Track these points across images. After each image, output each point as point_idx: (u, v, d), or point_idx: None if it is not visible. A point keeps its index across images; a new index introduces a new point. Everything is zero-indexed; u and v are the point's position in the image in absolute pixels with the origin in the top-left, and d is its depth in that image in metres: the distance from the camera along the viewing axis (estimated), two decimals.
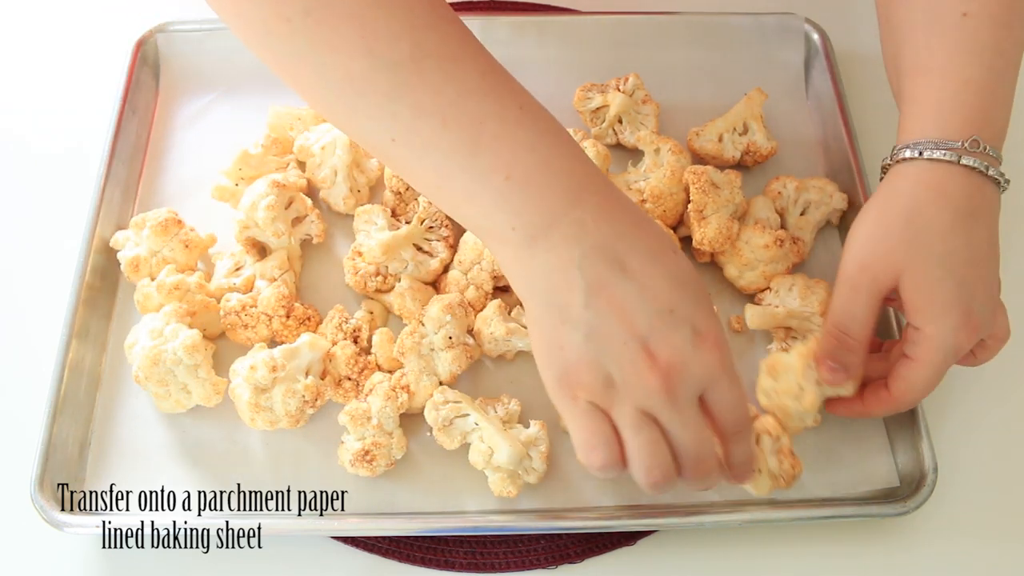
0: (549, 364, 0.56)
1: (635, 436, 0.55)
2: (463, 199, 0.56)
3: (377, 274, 0.73)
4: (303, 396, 0.67)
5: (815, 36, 0.87)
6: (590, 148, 0.77)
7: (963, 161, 0.62)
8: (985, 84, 0.64)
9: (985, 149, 0.62)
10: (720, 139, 0.80)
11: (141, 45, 0.85)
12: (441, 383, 0.70)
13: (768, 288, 0.74)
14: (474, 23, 0.87)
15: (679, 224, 0.77)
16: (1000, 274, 0.65)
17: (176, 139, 0.84)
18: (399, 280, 0.74)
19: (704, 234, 0.73)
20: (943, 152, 0.62)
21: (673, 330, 0.54)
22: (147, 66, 0.85)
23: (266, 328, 0.71)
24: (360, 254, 0.74)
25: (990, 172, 0.62)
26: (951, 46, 0.65)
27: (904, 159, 0.64)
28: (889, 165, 0.66)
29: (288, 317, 0.72)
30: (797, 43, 0.88)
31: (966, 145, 0.62)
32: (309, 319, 0.73)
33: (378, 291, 0.74)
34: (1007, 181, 0.64)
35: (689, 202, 0.75)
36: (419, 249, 0.75)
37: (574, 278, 0.54)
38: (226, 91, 0.86)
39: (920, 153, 0.63)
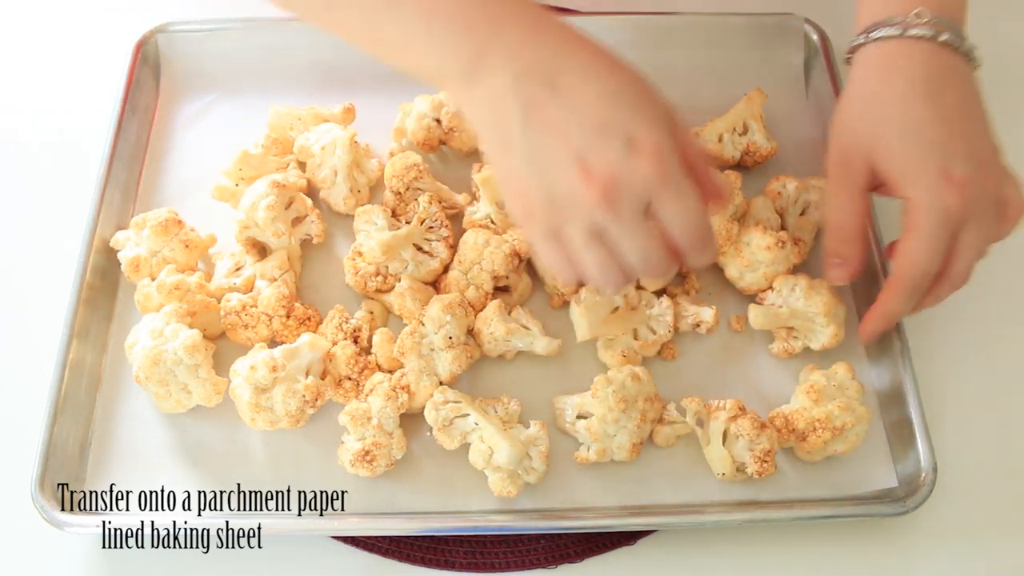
0: (508, 196, 0.58)
1: (586, 254, 0.56)
2: (399, 48, 0.58)
3: (377, 274, 0.73)
4: (303, 396, 0.67)
5: (815, 36, 0.87)
6: None
7: (908, 33, 0.63)
8: None
9: (932, 20, 0.64)
10: (720, 139, 0.80)
11: (141, 45, 0.85)
12: (441, 383, 0.70)
13: (770, 288, 0.74)
14: None
15: None
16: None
17: (176, 139, 0.84)
18: (399, 280, 0.74)
19: None
20: (887, 29, 0.64)
21: (606, 144, 0.53)
22: (147, 66, 0.85)
23: (266, 328, 0.71)
24: (360, 254, 0.74)
25: (941, 39, 0.63)
26: None
27: (856, 47, 0.67)
28: (849, 58, 0.68)
29: (288, 317, 0.72)
30: (797, 43, 0.88)
31: (910, 18, 0.64)
32: (309, 319, 0.73)
33: (378, 291, 0.74)
34: (973, 49, 0.65)
35: None
36: (419, 249, 0.75)
37: (509, 105, 0.54)
38: (226, 91, 0.86)
39: (867, 35, 0.65)
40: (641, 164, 0.53)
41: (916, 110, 0.63)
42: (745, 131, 0.81)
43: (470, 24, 0.55)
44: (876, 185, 0.66)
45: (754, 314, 0.73)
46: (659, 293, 0.74)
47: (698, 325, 0.73)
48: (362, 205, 0.77)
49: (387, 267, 0.73)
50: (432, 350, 0.70)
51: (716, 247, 0.61)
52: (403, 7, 0.55)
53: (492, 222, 0.76)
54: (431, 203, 0.75)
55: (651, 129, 0.54)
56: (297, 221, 0.76)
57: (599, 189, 0.53)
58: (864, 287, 0.76)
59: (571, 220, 0.55)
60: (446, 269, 0.75)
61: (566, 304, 0.75)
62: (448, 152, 0.83)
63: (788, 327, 0.73)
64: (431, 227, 0.75)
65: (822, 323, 0.71)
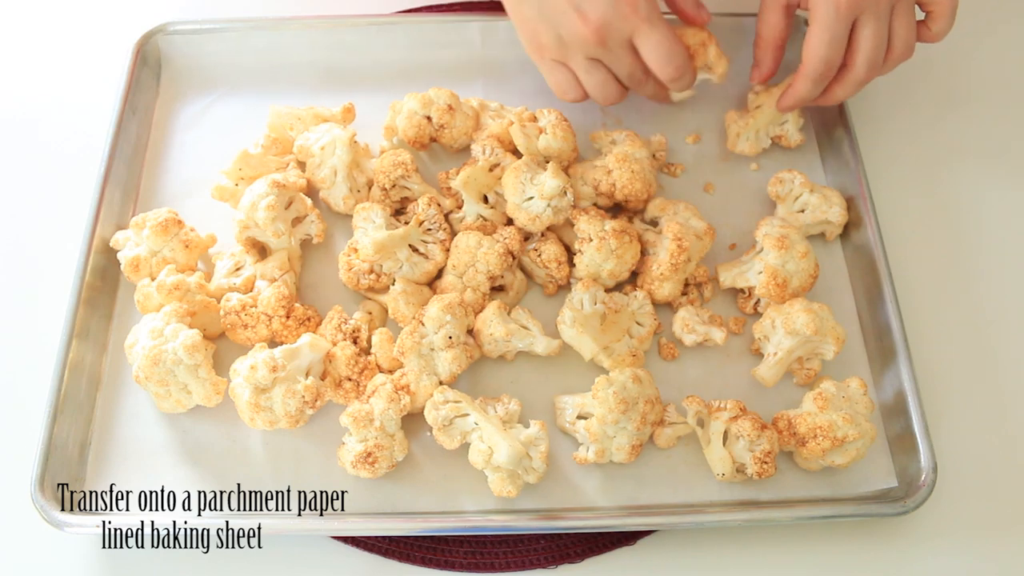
0: (523, 35, 0.76)
1: (587, 76, 0.76)
2: None
3: (370, 272, 0.73)
4: (303, 397, 0.67)
5: None
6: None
7: None
8: None
9: None
10: (757, 134, 0.83)
11: (142, 45, 0.85)
12: (441, 383, 0.70)
13: (757, 339, 0.74)
14: (474, 23, 0.87)
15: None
16: None
17: (176, 139, 0.84)
18: (393, 280, 0.74)
19: None
20: None
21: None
22: (147, 66, 0.85)
23: (266, 328, 0.71)
24: (355, 251, 0.74)
25: None
26: None
27: None
28: None
29: (288, 317, 0.72)
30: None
31: None
32: (309, 319, 0.73)
33: (371, 289, 0.74)
34: None
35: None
36: (415, 251, 0.75)
37: None
38: (226, 91, 0.86)
39: None
40: (625, 8, 0.71)
41: None
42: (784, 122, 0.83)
43: None
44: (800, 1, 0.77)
45: (765, 375, 0.72)
46: (668, 303, 0.74)
47: (706, 340, 0.73)
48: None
49: (380, 266, 0.73)
50: (432, 350, 0.70)
51: (693, 75, 0.77)
52: None
53: (484, 219, 0.76)
54: (431, 205, 0.75)
55: None
56: (297, 221, 0.76)
57: (593, 29, 0.71)
58: (866, 295, 0.76)
59: (574, 53, 0.74)
60: (441, 272, 0.75)
61: (560, 290, 0.75)
62: (439, 149, 0.83)
63: (796, 359, 0.72)
64: (428, 229, 0.75)
65: (818, 340, 0.71)
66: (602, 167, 0.77)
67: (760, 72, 0.80)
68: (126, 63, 0.84)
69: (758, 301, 0.74)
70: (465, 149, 0.82)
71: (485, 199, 0.77)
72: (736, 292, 0.76)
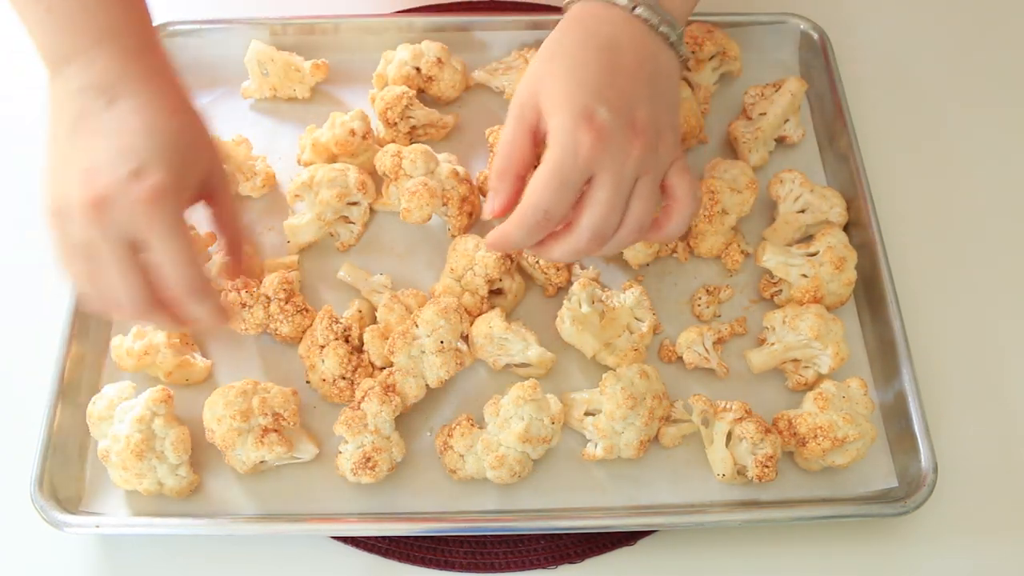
0: (42, 187, 0.60)
1: (73, 262, 0.58)
2: (25, 25, 0.62)
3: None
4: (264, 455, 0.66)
5: (815, 36, 0.87)
6: None
7: (617, 1, 0.64)
8: None
9: (652, 4, 0.64)
10: (765, 143, 0.82)
11: None
12: (428, 387, 0.69)
13: (765, 328, 0.74)
14: (473, 22, 0.87)
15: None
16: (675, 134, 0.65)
17: None
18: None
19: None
20: None
21: (114, 167, 0.56)
22: None
23: (263, 311, 0.71)
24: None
25: (636, 11, 0.63)
26: None
27: (570, 2, 0.67)
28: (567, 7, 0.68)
29: (287, 302, 0.71)
30: (797, 43, 0.88)
31: None
32: (307, 311, 0.72)
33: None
34: (679, 44, 0.65)
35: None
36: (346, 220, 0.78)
37: (68, 107, 0.59)
38: (227, 91, 0.86)
39: None
40: (134, 193, 0.56)
41: (586, 56, 0.62)
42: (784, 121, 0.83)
43: (76, 26, 0.60)
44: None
45: (753, 359, 0.72)
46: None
47: (705, 363, 0.73)
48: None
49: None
50: (423, 352, 0.69)
51: (215, 305, 0.60)
52: None
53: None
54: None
55: (164, 170, 0.57)
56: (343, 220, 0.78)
57: (89, 199, 0.55)
58: (866, 295, 0.76)
59: (68, 227, 0.57)
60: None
61: (560, 291, 0.75)
62: (428, 100, 0.84)
63: (793, 360, 0.72)
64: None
65: (819, 347, 0.71)
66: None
67: (492, 205, 0.64)
68: None
69: (780, 291, 0.75)
70: (453, 101, 0.83)
71: None
72: (763, 272, 0.76)
